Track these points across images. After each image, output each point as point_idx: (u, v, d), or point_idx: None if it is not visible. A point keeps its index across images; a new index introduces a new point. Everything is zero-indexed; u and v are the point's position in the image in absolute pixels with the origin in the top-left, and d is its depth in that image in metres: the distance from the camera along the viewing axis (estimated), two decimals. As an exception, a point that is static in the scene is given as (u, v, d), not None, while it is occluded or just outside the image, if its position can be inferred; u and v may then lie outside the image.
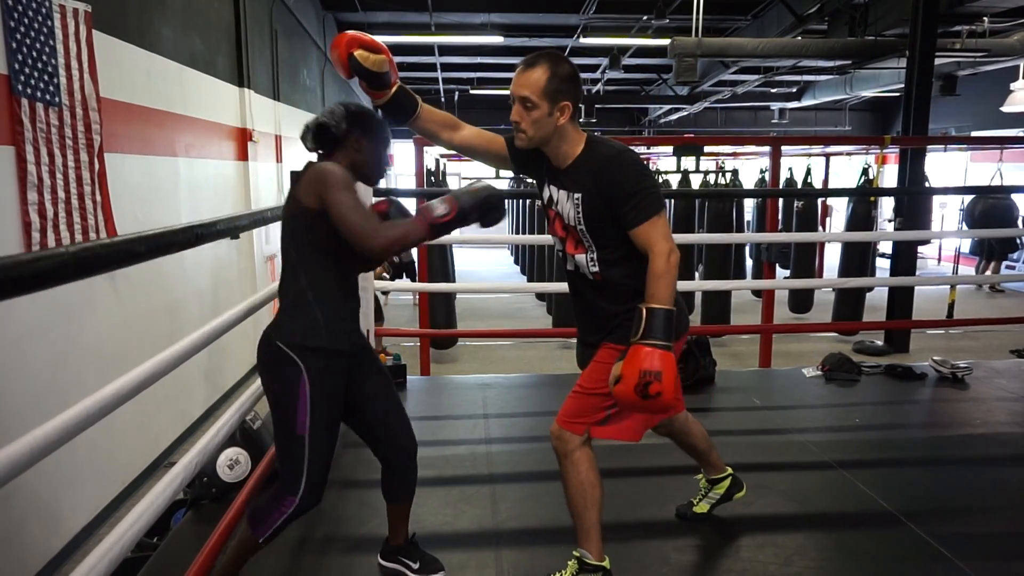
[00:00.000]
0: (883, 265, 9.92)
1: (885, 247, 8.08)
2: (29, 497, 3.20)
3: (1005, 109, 8.96)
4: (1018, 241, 9.58)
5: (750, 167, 13.24)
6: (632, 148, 1.89)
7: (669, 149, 8.12)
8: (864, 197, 7.62)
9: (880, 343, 7.24)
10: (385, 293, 5.88)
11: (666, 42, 8.61)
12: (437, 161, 10.61)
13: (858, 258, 7.87)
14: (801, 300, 8.98)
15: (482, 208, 1.74)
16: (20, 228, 3.20)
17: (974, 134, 12.06)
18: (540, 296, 9.75)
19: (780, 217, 8.18)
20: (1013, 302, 10.37)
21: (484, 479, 2.81)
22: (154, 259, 1.46)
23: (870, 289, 8.73)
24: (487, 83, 15.33)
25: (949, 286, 8.01)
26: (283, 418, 1.83)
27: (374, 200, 1.87)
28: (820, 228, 10.21)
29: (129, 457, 4.23)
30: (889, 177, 12.85)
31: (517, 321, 9.15)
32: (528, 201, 10.97)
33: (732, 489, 2.41)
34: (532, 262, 10.51)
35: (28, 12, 3.19)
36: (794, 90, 14.74)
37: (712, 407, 3.70)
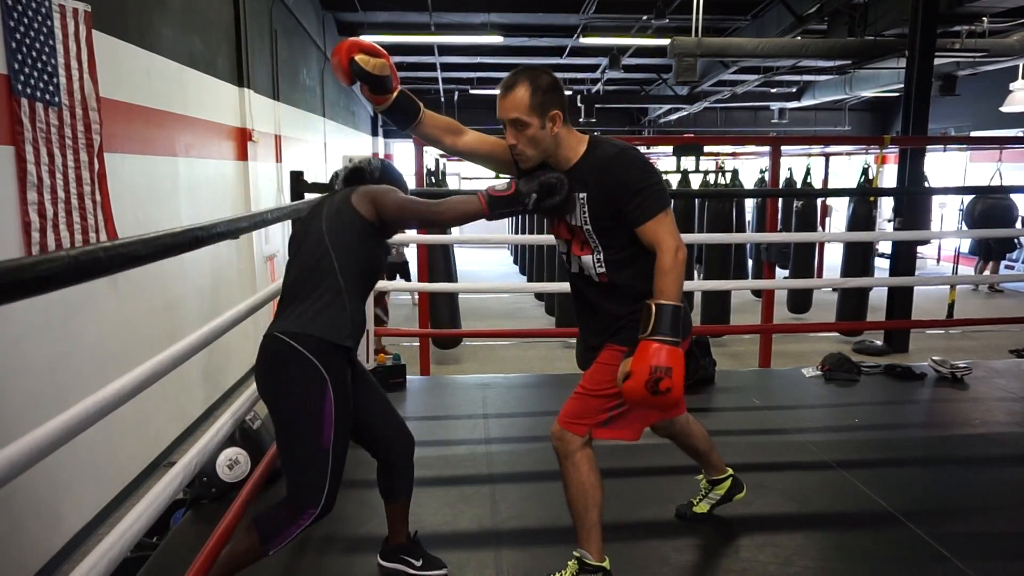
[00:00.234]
0: (882, 265, 9.92)
1: (884, 247, 8.08)
2: (29, 497, 3.20)
3: (1004, 109, 8.96)
4: (1016, 241, 9.59)
5: (750, 167, 13.24)
6: (634, 146, 1.89)
7: (669, 149, 8.12)
8: (864, 197, 7.62)
9: (879, 343, 7.25)
10: (385, 293, 5.88)
11: (666, 42, 8.61)
12: (437, 161, 10.60)
13: (860, 258, 7.87)
14: (800, 300, 8.98)
15: (540, 188, 1.82)
16: (20, 228, 3.20)
17: (973, 134, 12.06)
18: (539, 296, 9.75)
19: (780, 217, 8.18)
20: (1013, 302, 10.38)
21: (484, 479, 2.81)
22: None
23: (869, 289, 8.73)
24: (487, 83, 15.34)
25: (949, 286, 8.01)
26: (303, 432, 1.78)
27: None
28: (820, 228, 10.22)
29: (129, 457, 4.23)
30: (889, 177, 12.88)
31: (517, 321, 9.15)
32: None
33: (732, 490, 2.41)
34: (532, 262, 10.51)
35: (28, 12, 3.19)
36: (794, 90, 14.75)
37: (712, 407, 3.70)
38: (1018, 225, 8.24)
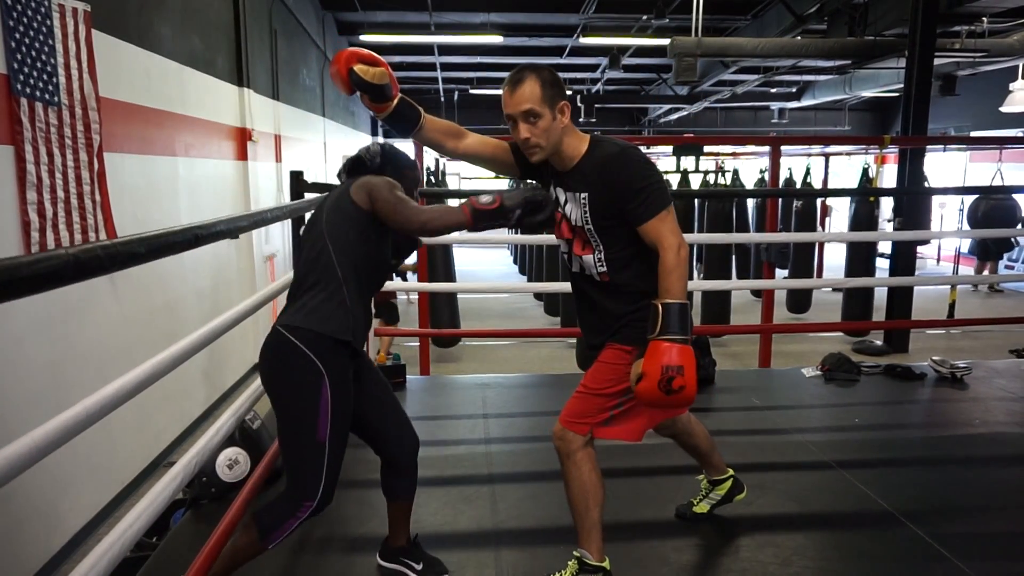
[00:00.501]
0: (882, 265, 9.94)
1: (884, 247, 8.08)
2: (29, 497, 3.20)
3: (1004, 109, 8.97)
4: (1013, 241, 9.58)
5: (750, 167, 13.25)
6: (636, 146, 1.90)
7: (669, 149, 8.13)
8: (866, 197, 7.62)
9: (879, 343, 7.25)
10: (393, 295, 5.87)
11: (666, 42, 8.61)
12: (437, 161, 10.61)
13: (863, 258, 7.87)
14: (800, 300, 8.99)
15: (525, 205, 1.80)
16: (19, 227, 3.20)
17: (973, 134, 12.06)
18: (539, 296, 9.75)
19: (780, 217, 8.18)
20: (1013, 302, 10.38)
21: (484, 479, 2.81)
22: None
23: (873, 289, 8.73)
24: (487, 83, 15.35)
25: (949, 286, 8.01)
26: (300, 424, 1.79)
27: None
28: (820, 228, 10.22)
29: (129, 457, 4.23)
30: (889, 177, 12.88)
31: (517, 321, 9.15)
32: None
33: (733, 491, 2.41)
34: (532, 262, 10.51)
35: (27, 11, 3.19)
36: (794, 90, 14.76)
37: (712, 407, 3.70)
38: (1020, 226, 8.22)
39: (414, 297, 9.52)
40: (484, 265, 14.85)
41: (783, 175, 8.85)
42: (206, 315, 4.62)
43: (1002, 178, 8.13)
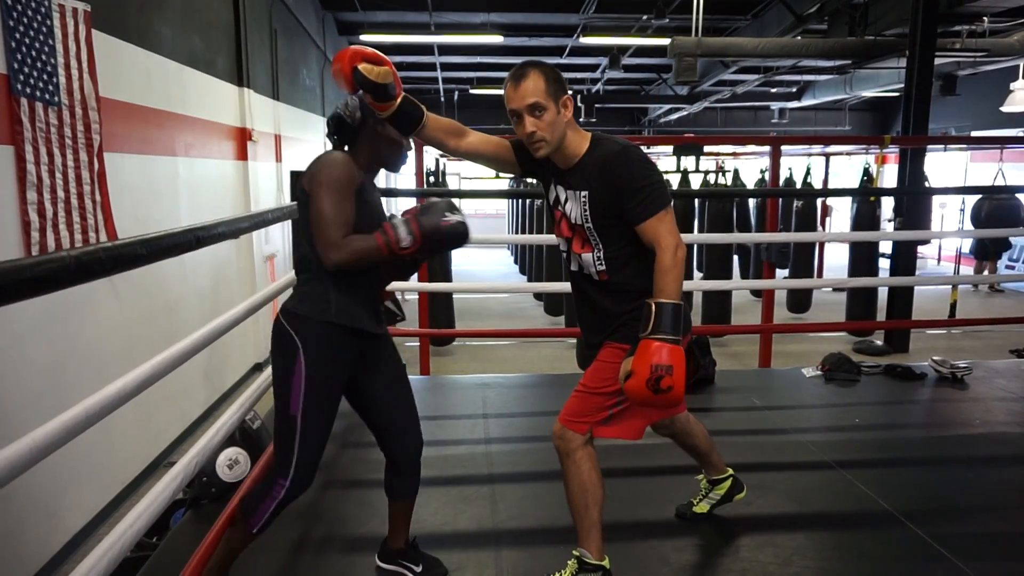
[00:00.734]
0: (882, 265, 9.95)
1: (885, 247, 8.08)
2: (29, 497, 3.20)
3: (1005, 109, 8.96)
4: (1010, 240, 9.59)
5: (750, 167, 13.24)
6: (636, 145, 1.90)
7: (669, 149, 8.12)
8: (867, 197, 7.61)
9: (880, 343, 7.25)
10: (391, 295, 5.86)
11: (666, 42, 8.61)
12: (437, 161, 10.61)
13: (866, 258, 7.87)
14: (799, 300, 8.99)
15: (447, 244, 1.83)
16: (19, 227, 3.20)
17: (974, 134, 12.06)
18: (539, 296, 9.76)
19: (780, 217, 8.17)
20: (1013, 302, 10.38)
21: (484, 479, 2.81)
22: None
23: (876, 289, 8.73)
24: (487, 83, 15.34)
25: (950, 286, 8.01)
26: (279, 396, 1.85)
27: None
28: (820, 228, 10.22)
29: (129, 457, 4.23)
30: (889, 177, 12.87)
31: (517, 321, 9.15)
32: (528, 201, 10.96)
33: (732, 490, 2.41)
34: (532, 262, 10.51)
35: (27, 11, 3.19)
36: (794, 90, 14.75)
37: (712, 407, 3.70)
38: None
39: (410, 296, 9.53)
40: (484, 265, 14.85)
41: (783, 175, 8.85)
42: (206, 315, 4.63)
43: (1004, 178, 8.13)
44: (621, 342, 1.91)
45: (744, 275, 9.90)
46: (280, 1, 7.86)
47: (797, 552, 2.24)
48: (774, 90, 14.98)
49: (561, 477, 1.98)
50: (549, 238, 2.86)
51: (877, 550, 2.27)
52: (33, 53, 3.24)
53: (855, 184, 9.36)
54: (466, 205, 19.54)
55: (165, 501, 1.71)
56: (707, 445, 2.34)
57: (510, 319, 9.30)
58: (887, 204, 8.26)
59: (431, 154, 9.17)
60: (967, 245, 10.89)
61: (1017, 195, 7.81)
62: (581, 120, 14.32)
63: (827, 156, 11.63)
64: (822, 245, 10.30)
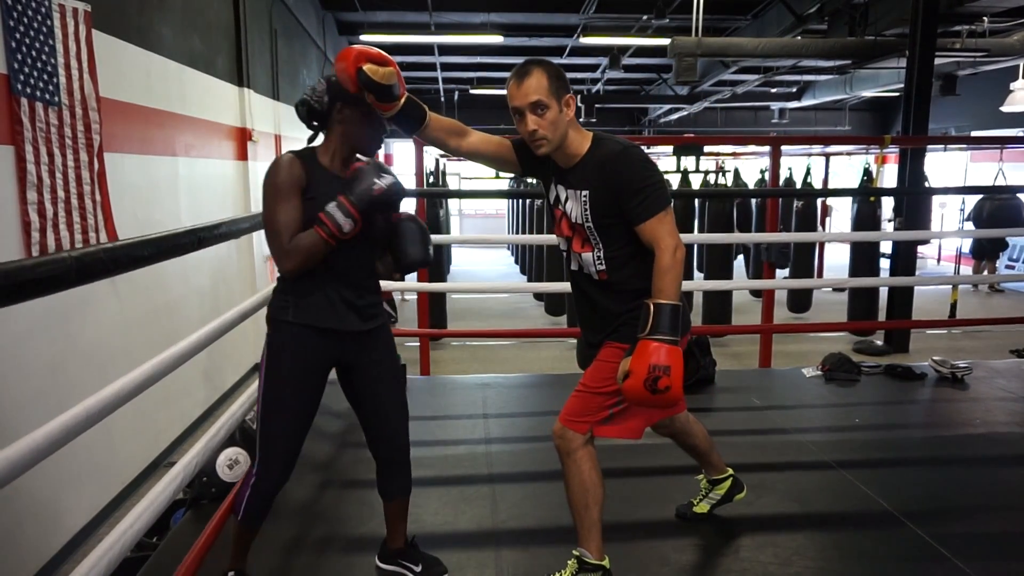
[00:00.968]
0: (882, 265, 9.96)
1: (885, 247, 8.09)
2: (29, 497, 3.19)
3: (1005, 109, 8.96)
4: (1007, 240, 9.59)
5: (750, 167, 13.24)
6: (637, 145, 1.90)
7: (669, 149, 8.12)
8: (867, 197, 7.61)
9: (880, 343, 7.24)
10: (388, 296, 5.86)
11: (666, 42, 8.60)
12: (437, 161, 10.61)
13: (867, 258, 7.87)
14: (800, 300, 8.99)
15: (387, 208, 1.87)
16: (20, 228, 3.20)
17: (974, 134, 12.06)
18: (539, 296, 9.75)
19: (780, 217, 8.17)
20: (1013, 302, 10.38)
21: (484, 479, 2.81)
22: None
23: (877, 289, 8.73)
24: (487, 83, 15.33)
25: (950, 286, 8.01)
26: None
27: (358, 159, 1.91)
28: (820, 228, 10.22)
29: (129, 457, 4.23)
30: (889, 177, 12.87)
31: (517, 321, 9.14)
32: (528, 201, 10.96)
33: (733, 490, 2.41)
34: (532, 262, 10.51)
35: (28, 11, 3.19)
36: (794, 90, 14.74)
37: (712, 407, 3.70)
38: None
39: (409, 296, 9.53)
40: (484, 265, 14.84)
41: (783, 175, 8.85)
42: (206, 315, 4.62)
43: (1004, 178, 8.13)
44: (621, 341, 1.91)
45: (746, 275, 9.90)
46: (280, 1, 7.86)
47: (797, 552, 2.24)
48: (774, 90, 14.97)
49: (561, 477, 1.98)
50: (549, 238, 2.85)
51: (877, 550, 2.28)
52: (33, 53, 3.24)
53: (855, 184, 9.37)
54: (466, 205, 19.59)
55: (165, 501, 1.72)
56: (707, 445, 2.34)
57: (510, 319, 9.30)
58: (887, 204, 8.25)
59: (431, 154, 9.17)
60: (967, 245, 10.90)
61: (1017, 195, 7.81)
62: (581, 120, 14.17)
63: (827, 156, 11.63)
64: (822, 245, 10.29)
